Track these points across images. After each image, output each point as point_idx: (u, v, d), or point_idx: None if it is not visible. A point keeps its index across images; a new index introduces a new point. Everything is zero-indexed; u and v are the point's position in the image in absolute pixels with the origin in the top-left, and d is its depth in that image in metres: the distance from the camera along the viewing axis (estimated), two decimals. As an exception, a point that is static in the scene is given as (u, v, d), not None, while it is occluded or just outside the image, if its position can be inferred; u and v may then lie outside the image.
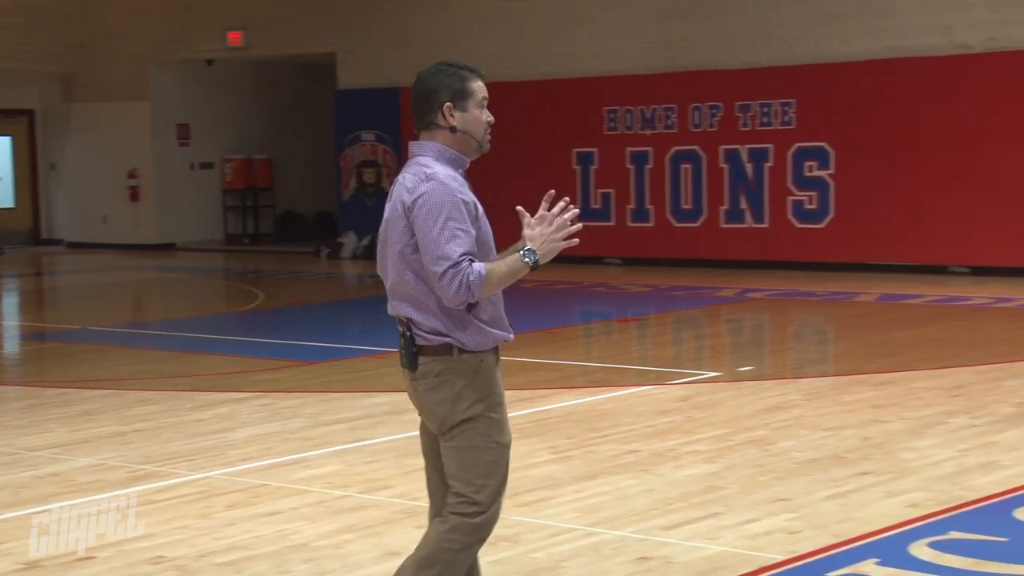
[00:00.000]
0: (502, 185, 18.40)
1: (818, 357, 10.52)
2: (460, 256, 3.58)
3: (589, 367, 9.96)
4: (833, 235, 15.65)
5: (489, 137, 3.80)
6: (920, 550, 4.94)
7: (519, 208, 3.73)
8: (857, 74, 15.31)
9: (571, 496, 5.87)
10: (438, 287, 3.61)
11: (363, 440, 7.14)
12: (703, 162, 16.47)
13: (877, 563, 4.81)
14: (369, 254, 19.01)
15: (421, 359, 3.70)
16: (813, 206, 15.76)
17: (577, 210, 3.72)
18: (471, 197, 3.69)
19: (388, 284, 3.77)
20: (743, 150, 16.20)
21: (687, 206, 16.52)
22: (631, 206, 16.94)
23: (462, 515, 3.72)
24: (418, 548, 3.79)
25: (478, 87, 3.75)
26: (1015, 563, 4.78)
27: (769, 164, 16.03)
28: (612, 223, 17.05)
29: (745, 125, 16.15)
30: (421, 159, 3.73)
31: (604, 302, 14.30)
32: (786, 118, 15.84)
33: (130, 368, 10.03)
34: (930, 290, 13.51)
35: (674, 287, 14.48)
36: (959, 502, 5.61)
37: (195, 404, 8.24)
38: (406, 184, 3.70)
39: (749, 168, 16.19)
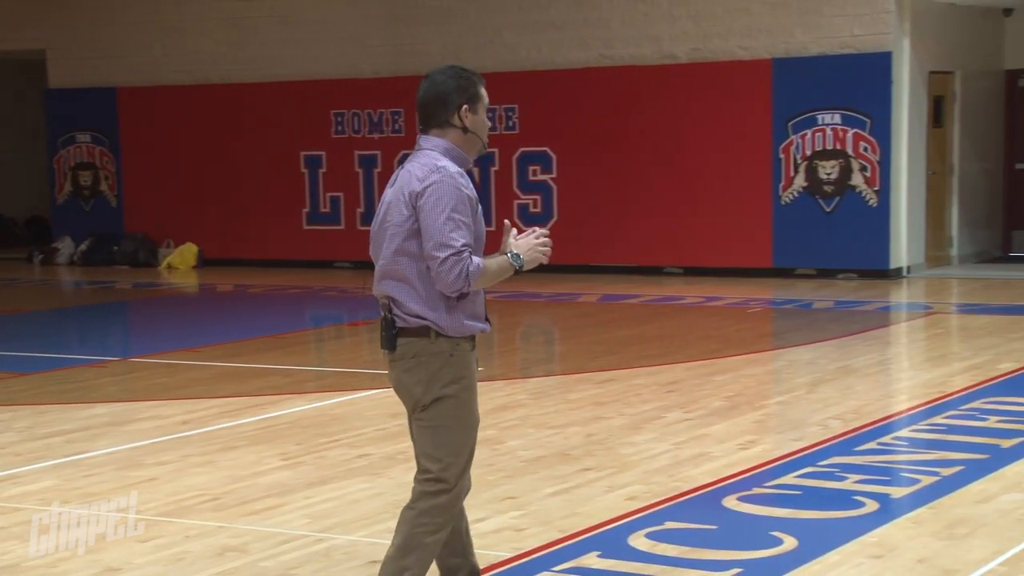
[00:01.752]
0: (232, 187, 18.03)
1: (544, 357, 10.80)
2: (462, 246, 3.87)
3: (320, 371, 9.89)
4: (557, 238, 15.97)
5: (487, 140, 4.11)
6: (638, 541, 5.16)
7: (506, 221, 4.16)
8: (576, 81, 15.80)
9: (301, 502, 5.83)
10: (437, 272, 3.88)
11: (81, 453, 6.85)
12: (431, 166, 16.62)
13: (599, 555, 5.00)
14: (86, 260, 18.21)
15: (400, 340, 3.97)
16: (537, 209, 16.16)
17: (546, 229, 4.20)
18: (474, 193, 3.98)
19: (378, 265, 4.06)
20: (469, 154, 16.45)
21: (415, 209, 16.66)
22: (360, 209, 16.89)
23: (429, 494, 3.97)
24: (394, 538, 4.01)
25: (485, 94, 4.10)
26: (724, 549, 5.06)
27: (495, 168, 16.34)
28: (342, 227, 16.97)
29: (471, 130, 16.40)
30: (431, 153, 4.02)
31: (335, 306, 14.22)
32: (510, 123, 16.19)
33: None
34: (647, 290, 14.10)
35: (403, 290, 14.53)
36: (674, 493, 5.88)
37: None
38: (415, 173, 3.97)
39: (476, 172, 16.44)
